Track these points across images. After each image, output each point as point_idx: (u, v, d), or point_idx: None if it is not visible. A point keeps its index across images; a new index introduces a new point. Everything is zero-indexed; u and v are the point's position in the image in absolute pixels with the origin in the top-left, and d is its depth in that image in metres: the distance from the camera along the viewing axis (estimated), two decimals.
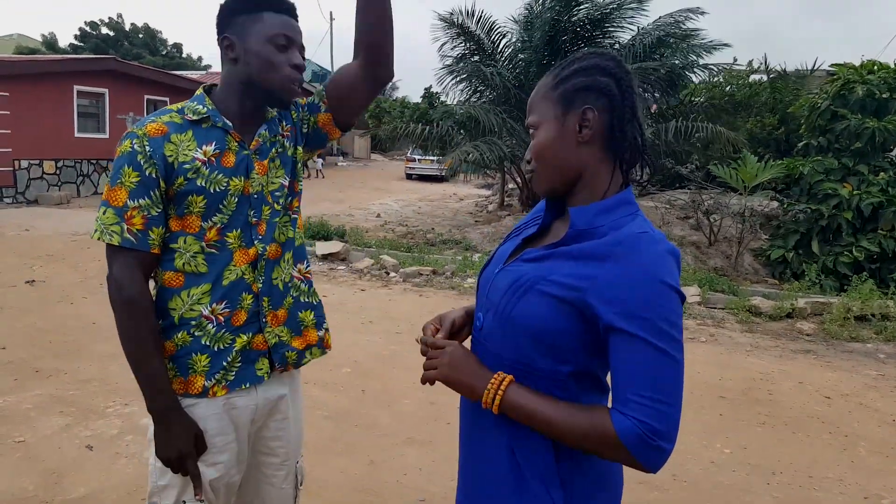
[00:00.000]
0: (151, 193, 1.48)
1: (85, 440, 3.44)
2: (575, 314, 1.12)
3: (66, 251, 8.65)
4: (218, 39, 1.58)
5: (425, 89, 33.86)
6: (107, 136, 15.70)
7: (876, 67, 9.82)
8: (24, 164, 13.81)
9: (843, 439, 3.95)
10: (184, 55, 46.10)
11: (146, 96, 16.89)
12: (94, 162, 15.51)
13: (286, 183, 1.66)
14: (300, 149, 1.74)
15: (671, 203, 11.86)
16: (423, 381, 1.26)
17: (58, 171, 14.58)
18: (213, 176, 1.52)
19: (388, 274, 8.06)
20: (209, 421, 1.56)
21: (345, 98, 1.71)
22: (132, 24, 42.94)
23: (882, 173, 9.11)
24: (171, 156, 1.49)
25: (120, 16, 42.80)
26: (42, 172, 14.25)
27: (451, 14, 13.06)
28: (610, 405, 1.12)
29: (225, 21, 1.57)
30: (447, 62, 13.74)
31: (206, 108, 1.56)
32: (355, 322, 5.92)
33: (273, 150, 1.64)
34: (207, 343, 1.55)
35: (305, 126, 1.73)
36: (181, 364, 1.54)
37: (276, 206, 1.64)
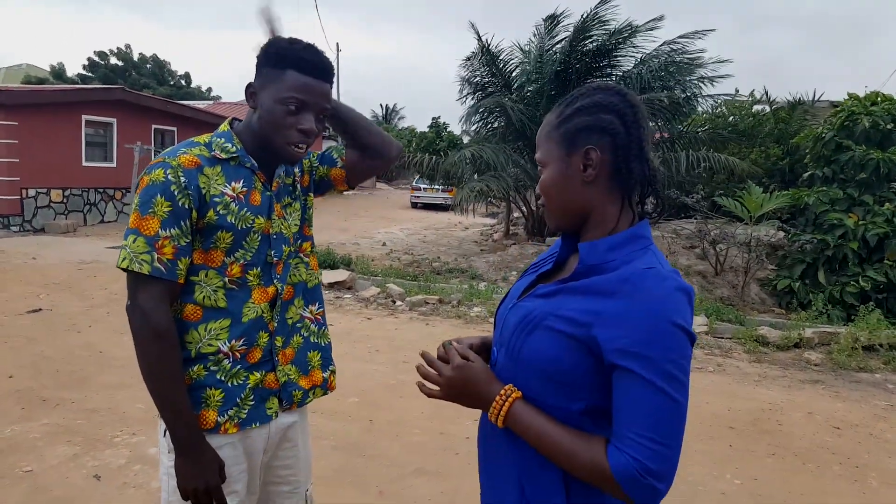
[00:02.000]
0: (182, 224, 1.49)
1: (92, 470, 3.42)
2: (583, 350, 1.12)
3: (72, 280, 8.67)
4: (247, 84, 1.61)
5: (433, 119, 34.21)
6: (114, 164, 15.84)
7: (879, 99, 9.91)
8: (32, 192, 13.91)
9: (854, 471, 3.91)
10: (192, 85, 46.67)
11: (153, 126, 17.06)
12: (101, 191, 15.62)
13: (302, 228, 1.74)
14: (311, 196, 1.81)
15: (677, 232, 11.87)
16: (429, 396, 1.28)
17: (65, 200, 14.68)
18: (241, 213, 1.55)
19: (394, 303, 8.06)
20: (224, 450, 1.57)
21: (361, 167, 1.84)
22: (140, 54, 43.52)
23: (887, 204, 9.14)
24: (204, 188, 1.51)
25: (128, 46, 43.32)
26: (49, 201, 14.34)
27: (485, 46, 13.20)
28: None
29: (256, 68, 1.60)
30: (465, 96, 13.95)
31: (235, 148, 1.59)
32: (362, 351, 5.91)
33: (287, 196, 1.70)
34: (222, 378, 1.56)
35: (315, 174, 1.81)
36: (195, 398, 1.55)
37: (293, 247, 1.69)
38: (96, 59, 41.58)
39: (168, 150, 1.58)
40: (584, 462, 1.10)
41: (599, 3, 12.41)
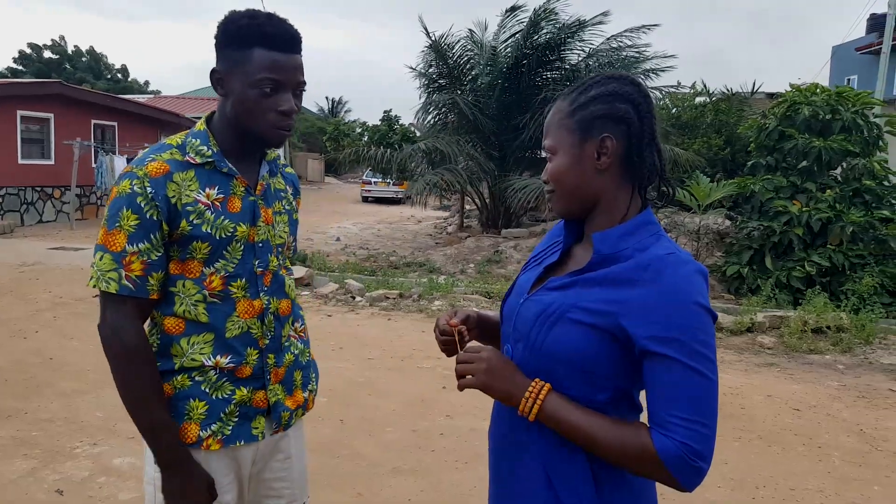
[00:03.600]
0: (152, 237, 1.40)
1: (54, 484, 3.26)
2: (609, 339, 1.13)
3: (13, 283, 8.28)
4: (211, 70, 1.49)
5: (385, 112, 33.98)
6: (52, 161, 15.19)
7: (819, 90, 10.26)
8: None
9: (817, 450, 4.05)
10: (129, 79, 45.18)
11: (93, 121, 16.42)
12: (38, 189, 14.97)
13: (287, 241, 1.63)
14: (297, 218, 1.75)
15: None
16: (461, 389, 1.24)
17: (1, 200, 14.02)
18: (218, 221, 1.44)
19: (353, 298, 7.97)
20: (211, 462, 1.50)
21: None
22: (75, 46, 41.90)
23: (829, 190, 9.49)
24: (173, 196, 1.40)
25: (62, 38, 41.60)
26: None
27: (433, 41, 13.16)
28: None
29: (216, 51, 1.46)
30: (420, 87, 13.90)
31: (210, 151, 1.47)
32: (325, 349, 5.81)
33: (279, 203, 1.60)
34: (207, 390, 1.47)
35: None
36: (178, 409, 1.47)
37: (279, 259, 1.58)
38: (28, 51, 39.85)
39: (139, 156, 1.48)
40: (632, 450, 1.10)
41: None
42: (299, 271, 8.63)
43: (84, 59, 41.98)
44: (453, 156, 12.28)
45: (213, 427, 1.47)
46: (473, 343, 1.29)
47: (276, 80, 1.41)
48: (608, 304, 1.12)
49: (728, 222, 10.97)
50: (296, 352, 1.64)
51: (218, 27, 1.45)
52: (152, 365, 1.43)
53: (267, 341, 1.52)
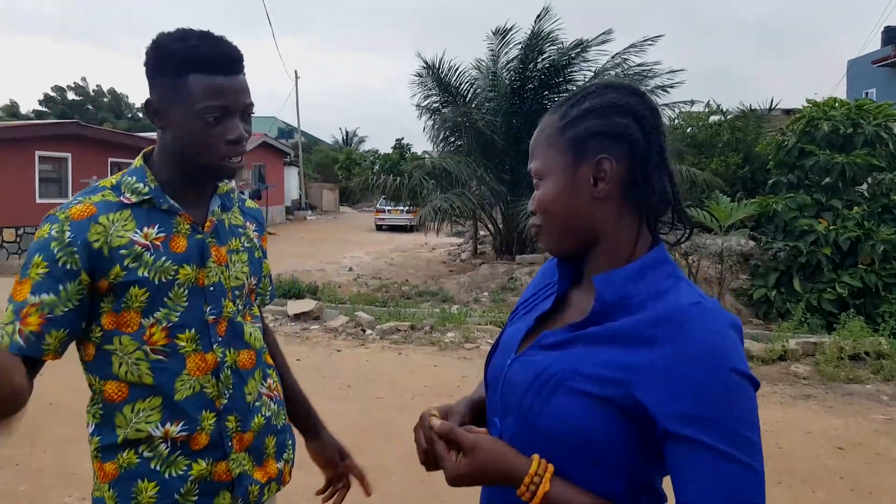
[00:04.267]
0: (60, 288, 1.20)
1: None
2: (622, 415, 0.90)
3: None
4: (145, 101, 1.30)
5: (396, 140, 34.18)
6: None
7: (838, 104, 9.97)
8: None
9: (868, 497, 3.69)
10: None
11: (110, 159, 16.62)
12: None
13: (248, 283, 1.39)
14: (266, 262, 1.50)
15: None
16: (453, 486, 0.98)
17: (18, 239, 14.15)
18: (158, 263, 1.25)
19: (364, 331, 7.71)
20: None
21: None
22: (97, 86, 42.86)
23: (856, 207, 9.15)
24: (97, 240, 1.22)
25: (84, 79, 42.70)
26: (1, 240, 13.78)
27: (427, 66, 13.16)
28: None
29: (149, 78, 1.29)
30: (422, 113, 13.86)
31: (147, 188, 1.29)
32: (332, 388, 5.54)
33: (236, 239, 1.38)
34: (157, 467, 1.26)
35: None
36: (123, 491, 1.25)
37: (237, 304, 1.35)
38: (52, 94, 40.92)
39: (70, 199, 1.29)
40: None
41: (538, 18, 12.45)
42: (308, 304, 8.41)
43: (105, 98, 42.89)
44: (463, 178, 12.11)
45: None
46: (459, 432, 1.00)
47: (220, 106, 1.25)
48: (619, 369, 0.90)
49: (752, 243, 10.62)
50: (268, 413, 1.41)
51: (147, 52, 1.27)
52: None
53: (225, 401, 1.31)
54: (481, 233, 16.22)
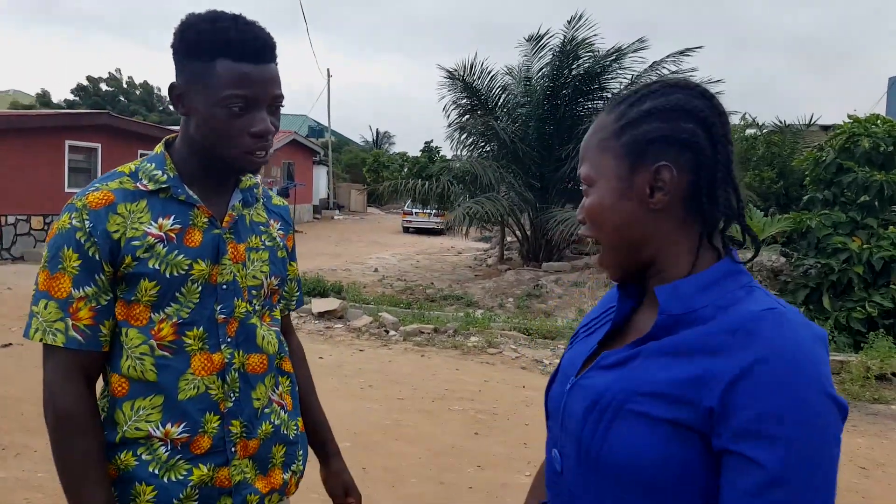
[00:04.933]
0: (97, 279, 1.18)
1: None
2: (693, 438, 0.78)
3: None
4: (170, 85, 1.24)
5: (425, 143, 34.29)
6: None
7: (880, 121, 9.77)
8: (11, 219, 13.55)
9: None
10: None
11: (139, 151, 16.75)
12: None
13: (267, 284, 1.34)
14: (294, 265, 1.48)
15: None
16: None
17: (46, 227, 14.33)
18: (170, 256, 1.20)
19: (387, 332, 7.71)
20: None
21: None
22: (129, 78, 43.49)
23: (892, 227, 8.95)
24: (116, 231, 1.18)
25: (118, 71, 43.32)
26: (29, 228, 13.97)
27: (455, 70, 13.16)
28: None
29: (175, 62, 1.23)
30: (451, 117, 13.86)
31: (165, 176, 1.23)
32: (353, 387, 5.55)
33: (256, 237, 1.33)
34: (155, 471, 1.21)
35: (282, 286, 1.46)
36: (121, 494, 1.21)
37: (253, 304, 1.30)
38: (86, 84, 41.55)
39: (84, 188, 1.25)
40: None
41: (571, 25, 12.35)
42: (332, 303, 8.44)
43: (138, 91, 43.52)
44: (492, 182, 12.10)
45: None
46: None
47: (246, 96, 1.17)
48: (683, 385, 0.79)
49: (783, 259, 10.45)
50: (277, 422, 1.34)
51: (175, 33, 1.21)
52: (88, 438, 1.17)
53: (230, 404, 1.25)
54: (508, 239, 16.16)
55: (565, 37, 12.41)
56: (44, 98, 40.59)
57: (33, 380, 5.45)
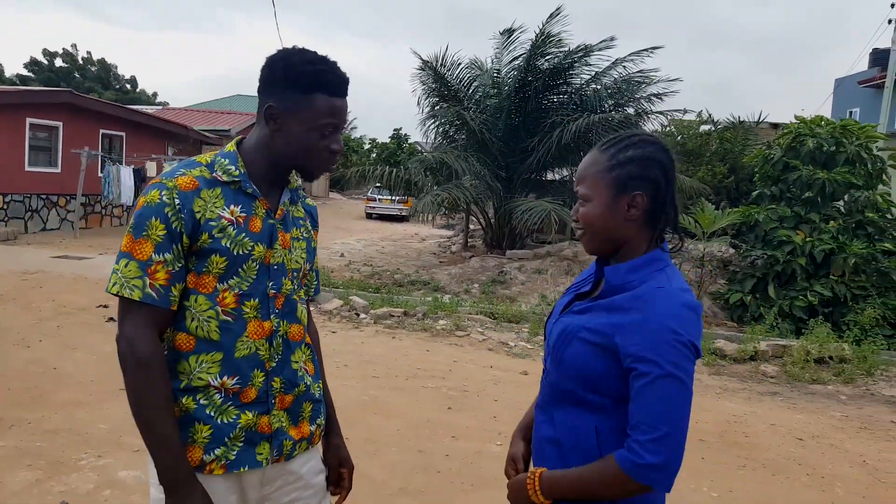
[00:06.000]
0: (175, 247, 1.43)
1: (59, 496, 3.24)
2: (609, 356, 1.34)
3: (16, 291, 8.27)
4: (261, 101, 1.52)
5: (395, 130, 34.31)
6: (59, 170, 15.24)
7: (823, 122, 10.34)
8: None
9: (821, 480, 4.04)
10: (138, 90, 45.46)
11: (101, 131, 16.51)
12: (44, 197, 15.01)
13: (304, 268, 1.63)
14: (316, 258, 1.77)
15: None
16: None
17: (5, 206, 14.03)
18: (239, 238, 1.47)
19: (358, 315, 7.97)
20: (215, 485, 1.49)
21: None
22: (87, 52, 42.19)
23: (832, 221, 9.53)
24: (199, 212, 1.44)
25: (74, 46, 41.98)
26: None
27: (429, 61, 13.34)
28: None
29: (272, 86, 1.49)
30: (422, 105, 14.02)
31: (238, 171, 1.51)
32: (330, 366, 5.76)
33: (297, 229, 1.62)
34: (212, 413, 1.47)
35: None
36: (182, 431, 1.46)
37: (294, 283, 1.59)
38: (41, 58, 40.12)
39: (167, 170, 1.52)
40: (607, 479, 1.31)
41: (548, 20, 12.63)
42: None
43: (94, 68, 42.29)
44: (460, 171, 12.34)
45: (217, 451, 1.47)
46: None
47: (335, 124, 1.51)
48: (609, 327, 1.34)
49: (732, 250, 11.00)
50: (308, 382, 1.62)
51: (276, 66, 1.49)
52: (166, 379, 1.43)
53: (273, 364, 1.52)
54: (472, 226, 16.47)
55: (540, 31, 12.66)
56: None
57: (13, 357, 5.57)
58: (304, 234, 1.65)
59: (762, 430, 4.90)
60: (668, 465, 1.24)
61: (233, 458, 1.48)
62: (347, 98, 1.55)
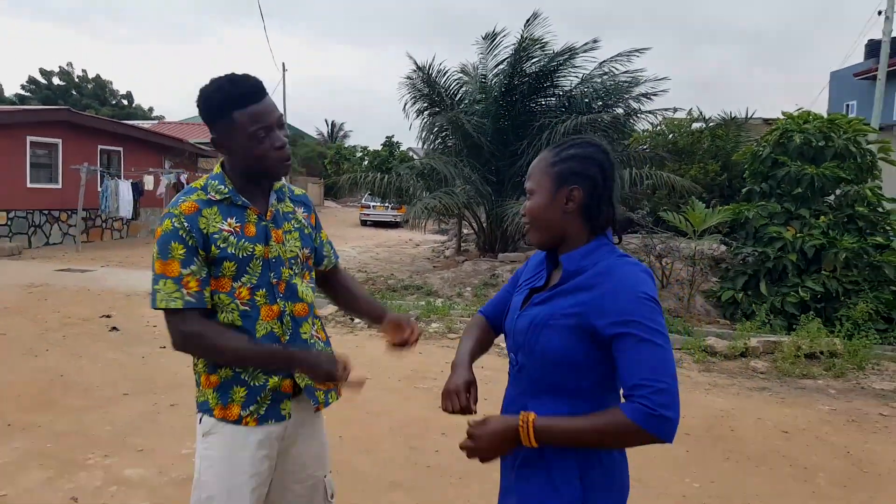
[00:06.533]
0: (196, 259, 1.71)
1: (69, 492, 3.41)
2: (583, 335, 1.44)
3: (22, 304, 8.44)
4: (210, 139, 1.80)
5: (387, 137, 34.52)
6: (59, 186, 15.45)
7: (811, 118, 10.46)
8: None
9: (804, 471, 4.17)
10: (134, 105, 45.67)
11: (100, 146, 16.73)
12: (46, 213, 15.20)
13: (301, 254, 1.90)
14: (323, 233, 2.06)
15: (623, 247, 12.23)
16: (483, 462, 1.55)
17: (9, 222, 14.24)
18: (240, 244, 1.76)
19: (352, 320, 8.11)
20: (251, 435, 1.79)
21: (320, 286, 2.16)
22: (83, 70, 42.46)
23: (822, 217, 9.63)
24: (204, 228, 1.74)
25: (70, 64, 42.27)
26: None
27: (422, 67, 13.49)
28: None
29: (207, 121, 1.76)
30: (414, 112, 14.16)
31: (227, 189, 1.79)
32: None
33: (287, 223, 1.89)
34: (246, 378, 1.79)
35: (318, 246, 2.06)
36: (223, 393, 1.78)
37: (293, 269, 1.86)
38: (38, 77, 40.42)
39: (173, 199, 1.79)
40: (613, 428, 1.36)
41: (526, 25, 12.73)
42: None
43: (90, 85, 42.55)
44: (450, 177, 12.46)
45: (251, 408, 1.80)
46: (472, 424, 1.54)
47: (264, 126, 1.73)
48: (577, 307, 1.45)
49: (723, 248, 11.13)
50: (319, 348, 1.94)
51: (198, 105, 1.76)
52: (233, 335, 1.74)
53: (287, 337, 1.84)
54: (465, 231, 16.59)
55: (521, 35, 12.81)
56: None
57: (21, 366, 5.73)
58: (296, 226, 1.93)
59: (749, 425, 5.02)
60: (677, 416, 1.33)
61: (263, 413, 1.81)
62: (269, 97, 1.77)
